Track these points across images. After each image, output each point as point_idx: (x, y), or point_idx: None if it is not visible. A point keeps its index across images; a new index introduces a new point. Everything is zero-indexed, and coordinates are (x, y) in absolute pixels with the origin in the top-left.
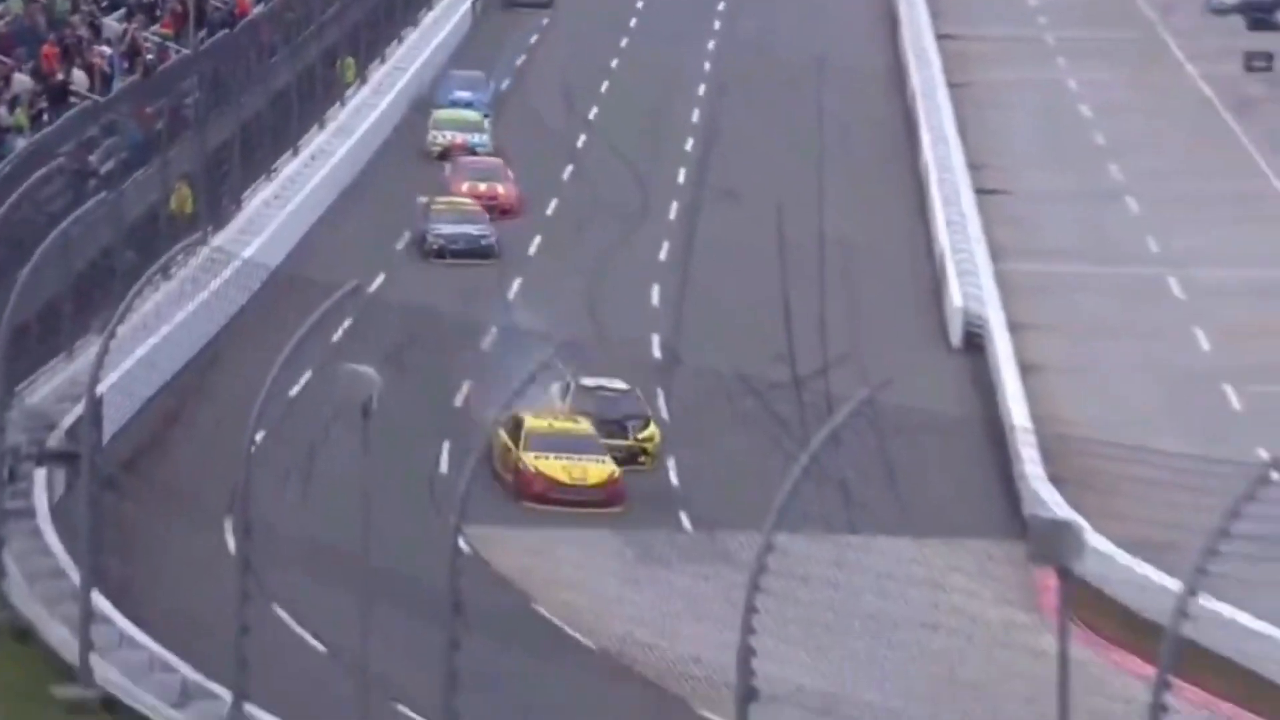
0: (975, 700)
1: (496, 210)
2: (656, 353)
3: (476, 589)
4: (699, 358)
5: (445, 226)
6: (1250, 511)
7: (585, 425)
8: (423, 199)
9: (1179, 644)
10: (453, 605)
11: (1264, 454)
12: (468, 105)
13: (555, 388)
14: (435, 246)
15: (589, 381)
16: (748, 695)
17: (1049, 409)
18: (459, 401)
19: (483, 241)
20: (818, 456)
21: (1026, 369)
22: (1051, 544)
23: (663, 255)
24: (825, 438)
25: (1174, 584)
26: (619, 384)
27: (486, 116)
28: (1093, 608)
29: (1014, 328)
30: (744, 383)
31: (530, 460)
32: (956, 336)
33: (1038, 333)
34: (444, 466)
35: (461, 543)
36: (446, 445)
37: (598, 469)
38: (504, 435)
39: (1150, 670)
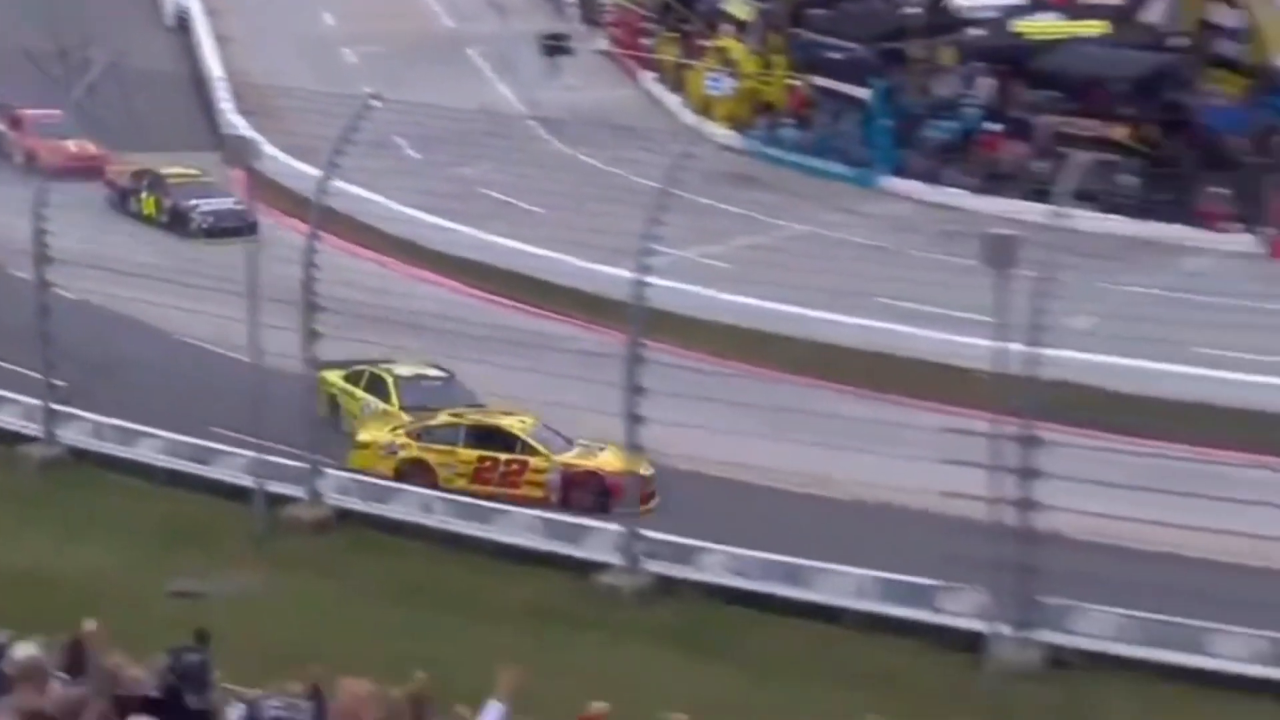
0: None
1: (94, 171)
2: None
3: None
4: None
5: (202, 202)
6: (360, 126)
7: (531, 416)
8: (129, 168)
9: (321, 211)
10: None
11: (367, 90)
12: None
13: (330, 374)
14: (204, 225)
15: (403, 371)
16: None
17: (236, 66)
18: None
19: (248, 217)
20: (80, 104)
21: (219, 40)
22: (240, 152)
23: None
24: (84, 89)
25: (316, 173)
26: (434, 370)
27: None
28: (271, 192)
29: (209, 12)
30: (29, 53)
31: (581, 461)
32: (170, 20)
33: (225, 16)
34: None
35: None
36: None
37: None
38: (458, 450)
39: (306, 228)
